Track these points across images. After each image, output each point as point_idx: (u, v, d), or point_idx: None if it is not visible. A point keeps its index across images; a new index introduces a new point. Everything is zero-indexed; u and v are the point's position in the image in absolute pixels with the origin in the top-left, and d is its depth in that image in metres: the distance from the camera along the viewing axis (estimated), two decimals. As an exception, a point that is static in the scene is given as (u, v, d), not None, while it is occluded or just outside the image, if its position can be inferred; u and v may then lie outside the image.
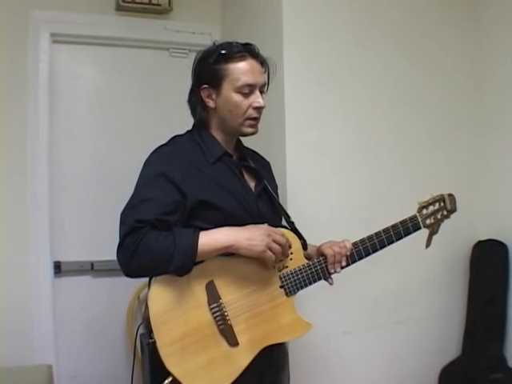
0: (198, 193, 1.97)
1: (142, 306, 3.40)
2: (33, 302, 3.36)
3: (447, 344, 3.21)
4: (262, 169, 2.28)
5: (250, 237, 1.93)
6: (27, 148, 3.38)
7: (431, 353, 3.17)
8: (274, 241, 1.96)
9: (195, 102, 2.14)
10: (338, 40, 3.00)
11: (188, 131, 2.20)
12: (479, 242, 3.20)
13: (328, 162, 2.97)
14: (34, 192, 3.39)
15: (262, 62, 2.13)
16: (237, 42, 2.09)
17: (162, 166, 2.00)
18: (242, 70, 2.04)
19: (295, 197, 2.80)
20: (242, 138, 2.25)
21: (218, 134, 2.14)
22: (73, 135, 3.59)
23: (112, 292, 3.52)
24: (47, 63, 3.44)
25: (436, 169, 3.18)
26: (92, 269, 3.56)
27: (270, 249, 1.95)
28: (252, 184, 2.17)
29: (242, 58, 2.05)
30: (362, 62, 3.05)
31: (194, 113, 2.17)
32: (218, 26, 3.76)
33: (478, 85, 3.29)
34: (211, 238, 1.91)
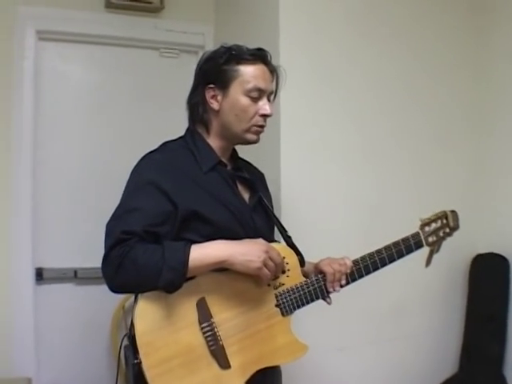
0: (189, 203, 1.86)
1: (127, 316, 3.31)
2: (13, 310, 3.25)
3: (444, 361, 3.15)
4: (256, 180, 2.18)
5: (245, 252, 1.82)
6: (10, 149, 3.28)
7: (428, 369, 3.11)
8: (271, 258, 1.86)
9: (197, 102, 2.03)
10: (338, 37, 2.95)
11: (180, 137, 2.08)
12: (478, 255, 3.14)
13: (326, 170, 2.89)
14: (17, 194, 3.29)
15: (272, 70, 2.04)
16: (247, 47, 2.01)
17: (152, 173, 1.88)
18: (253, 73, 1.96)
19: (290, 208, 2.73)
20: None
21: (215, 141, 2.03)
22: (58, 136, 3.48)
23: (96, 301, 3.39)
24: (32, 61, 3.34)
25: (436, 178, 3.12)
26: (75, 276, 3.45)
27: (266, 266, 1.84)
28: (246, 196, 2.07)
29: (254, 62, 1.97)
30: (364, 60, 3.00)
31: (192, 115, 2.06)
32: (211, 26, 3.68)
33: (481, 87, 3.25)
34: (204, 253, 1.80)
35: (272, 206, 2.20)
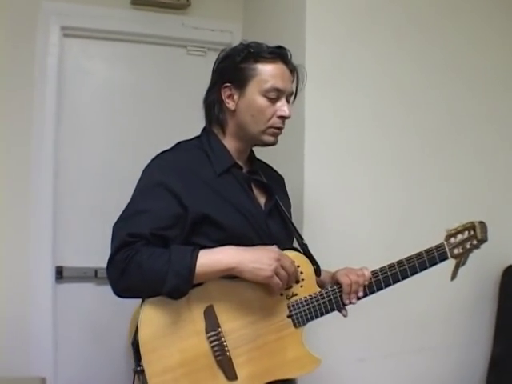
0: (200, 206, 1.79)
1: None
2: (31, 308, 3.20)
3: (470, 375, 3.03)
4: (274, 184, 2.09)
5: (256, 259, 1.74)
6: (32, 147, 3.23)
7: None
8: (283, 267, 1.77)
9: (213, 101, 1.96)
10: (366, 38, 2.85)
11: (196, 137, 2.02)
12: (510, 266, 3.02)
13: (351, 177, 2.81)
14: (38, 192, 3.24)
15: (292, 70, 1.96)
16: (267, 45, 1.93)
17: (162, 174, 1.83)
18: (271, 72, 1.88)
19: (313, 215, 2.64)
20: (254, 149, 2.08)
21: (231, 142, 1.96)
22: (81, 135, 3.43)
23: (116, 301, 3.20)
24: (56, 57, 3.28)
25: (466, 188, 3.02)
26: (96, 276, 3.39)
27: (278, 275, 1.75)
28: (262, 200, 1.99)
29: (272, 60, 1.89)
30: (394, 64, 2.90)
31: (208, 114, 2.00)
32: (239, 24, 3.60)
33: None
34: (212, 258, 1.72)
35: (290, 212, 2.12)
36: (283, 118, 1.91)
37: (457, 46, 3.01)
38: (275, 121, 1.90)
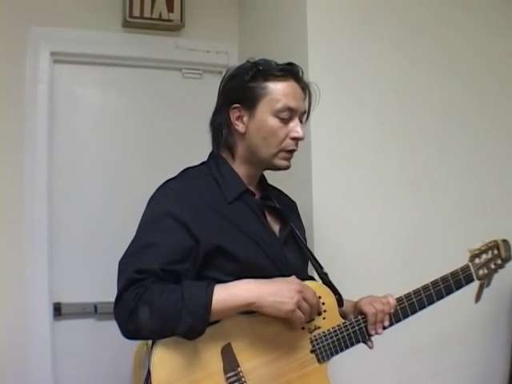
0: (213, 237, 1.68)
1: (150, 353, 3.12)
2: (30, 347, 3.10)
3: (489, 395, 2.94)
4: (287, 210, 1.98)
5: (276, 292, 1.62)
6: (24, 177, 3.15)
7: (471, 405, 2.91)
8: (305, 299, 1.65)
9: (220, 124, 1.85)
10: (370, 54, 2.79)
11: (203, 163, 1.91)
12: (523, 283, 2.92)
13: (361, 197, 2.72)
14: (31, 225, 3.16)
15: (304, 88, 1.86)
16: (277, 62, 1.84)
17: (170, 204, 1.71)
18: (283, 90, 1.78)
19: (323, 239, 2.55)
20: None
21: (241, 166, 1.85)
22: (75, 164, 3.35)
23: (117, 337, 3.10)
24: (47, 84, 3.22)
25: (481, 205, 2.93)
26: (95, 311, 3.30)
27: (300, 308, 1.63)
28: (276, 227, 1.88)
29: (284, 78, 1.80)
30: (401, 78, 2.84)
31: (216, 138, 1.88)
32: (235, 44, 3.54)
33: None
34: (229, 294, 1.60)
35: (305, 239, 2.01)
36: (297, 139, 1.81)
37: (456, 50, 2.96)
38: (288, 143, 1.80)
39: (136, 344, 3.21)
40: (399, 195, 2.79)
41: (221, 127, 1.84)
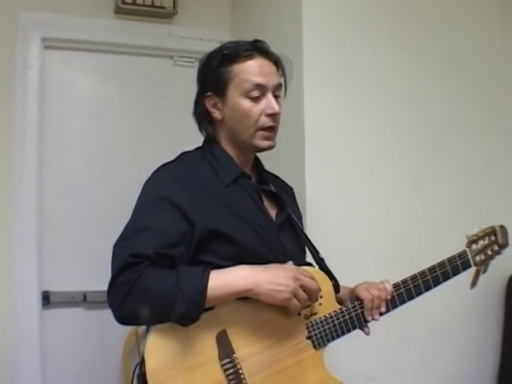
0: (208, 221, 1.65)
1: (140, 342, 3.09)
2: (18, 336, 3.06)
3: (481, 385, 2.97)
4: (284, 195, 1.96)
5: (272, 280, 1.59)
6: (13, 165, 3.11)
7: (462, 396, 2.93)
8: (303, 286, 1.62)
9: (200, 113, 1.85)
10: (366, 48, 2.78)
11: (198, 147, 1.89)
12: (514, 274, 2.95)
13: (355, 188, 2.73)
14: (21, 213, 3.11)
15: (276, 61, 1.82)
16: (245, 41, 1.81)
17: (166, 188, 1.69)
18: (248, 69, 1.76)
19: (316, 226, 2.52)
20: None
21: (230, 151, 1.83)
22: (65, 151, 3.32)
23: (107, 327, 3.08)
24: (37, 70, 3.17)
25: (471, 187, 2.96)
26: (85, 300, 3.27)
27: (296, 296, 1.61)
28: (273, 212, 1.86)
29: (249, 57, 1.77)
30: (400, 70, 2.84)
31: (200, 127, 1.88)
32: (227, 32, 3.51)
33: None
34: (225, 280, 1.58)
35: (302, 225, 2.00)
36: (272, 115, 1.77)
37: (459, 44, 2.97)
38: (263, 120, 1.77)
39: (125, 333, 3.19)
40: (392, 185, 2.79)
41: (201, 117, 1.85)
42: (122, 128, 3.43)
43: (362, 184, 2.73)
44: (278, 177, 2.07)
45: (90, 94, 3.41)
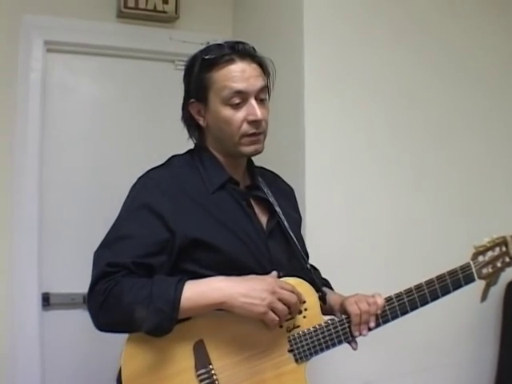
0: (189, 229, 1.63)
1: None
2: (17, 338, 3.07)
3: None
4: (281, 198, 1.90)
5: (247, 293, 1.55)
6: (14, 167, 3.11)
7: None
8: (281, 299, 1.57)
9: (187, 120, 1.82)
10: (373, 42, 2.76)
11: (189, 150, 1.86)
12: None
13: (354, 190, 2.71)
14: (21, 215, 3.12)
15: (259, 63, 1.75)
16: (227, 42, 1.73)
17: (147, 195, 1.67)
18: (226, 76, 1.68)
19: (315, 233, 2.50)
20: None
21: (219, 157, 1.79)
22: (66, 154, 3.32)
23: None
24: (40, 73, 3.19)
25: (473, 190, 2.93)
26: (84, 302, 3.10)
27: (274, 310, 1.56)
28: (264, 219, 1.80)
29: (227, 63, 1.69)
30: (403, 69, 2.81)
31: (190, 132, 1.86)
32: (229, 36, 3.43)
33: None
34: (199, 292, 1.54)
35: (299, 229, 1.94)
36: (255, 122, 1.71)
37: (460, 42, 2.95)
38: (246, 128, 1.70)
39: (126, 335, 3.20)
40: (395, 190, 2.77)
41: (188, 123, 1.83)
42: (124, 131, 3.42)
43: (361, 184, 2.71)
44: (278, 176, 2.03)
45: (91, 97, 3.41)
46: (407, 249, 2.73)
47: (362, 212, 2.71)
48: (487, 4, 3.02)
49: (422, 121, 2.84)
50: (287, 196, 1.99)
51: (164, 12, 3.31)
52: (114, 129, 3.42)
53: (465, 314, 2.87)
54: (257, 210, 1.80)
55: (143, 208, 1.64)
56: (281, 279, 1.65)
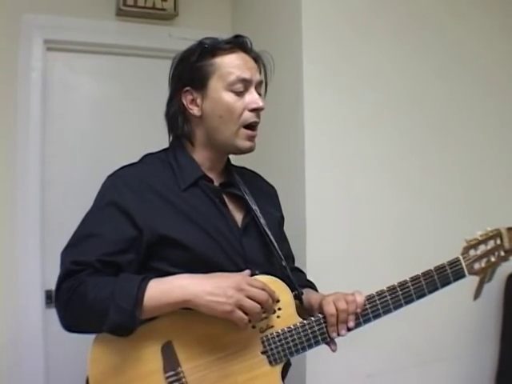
0: (157, 227, 1.60)
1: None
2: (22, 334, 3.07)
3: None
4: (261, 197, 1.86)
5: (213, 290, 1.50)
6: (16, 166, 3.11)
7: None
8: (249, 297, 1.51)
9: (175, 113, 1.77)
10: (372, 39, 2.75)
11: (164, 149, 1.84)
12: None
13: (354, 188, 2.71)
14: (24, 214, 3.12)
15: (256, 58, 1.76)
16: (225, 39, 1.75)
17: (114, 192, 1.66)
18: (233, 62, 1.70)
19: (315, 232, 2.50)
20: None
21: (202, 152, 1.77)
22: (68, 152, 3.31)
23: None
24: (40, 72, 3.17)
25: (472, 188, 2.94)
26: None
27: (242, 308, 1.50)
28: (239, 216, 1.77)
29: (231, 51, 1.72)
30: (402, 66, 2.79)
31: (172, 128, 1.81)
32: (228, 34, 3.36)
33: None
34: (162, 290, 1.50)
35: (278, 228, 1.90)
36: (256, 110, 1.71)
37: (461, 40, 2.94)
38: (247, 116, 1.70)
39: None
40: (395, 191, 2.77)
41: (176, 116, 1.77)
42: (125, 129, 3.41)
43: (361, 183, 2.70)
44: (260, 176, 2.00)
45: (92, 96, 3.40)
46: (408, 248, 2.71)
47: (362, 211, 2.69)
48: (489, 1, 2.99)
49: (422, 118, 2.81)
50: (268, 195, 1.96)
51: (163, 9, 3.30)
52: (115, 126, 3.40)
53: (466, 307, 2.81)
54: (231, 207, 1.77)
55: (110, 205, 1.63)
56: (252, 277, 1.60)
